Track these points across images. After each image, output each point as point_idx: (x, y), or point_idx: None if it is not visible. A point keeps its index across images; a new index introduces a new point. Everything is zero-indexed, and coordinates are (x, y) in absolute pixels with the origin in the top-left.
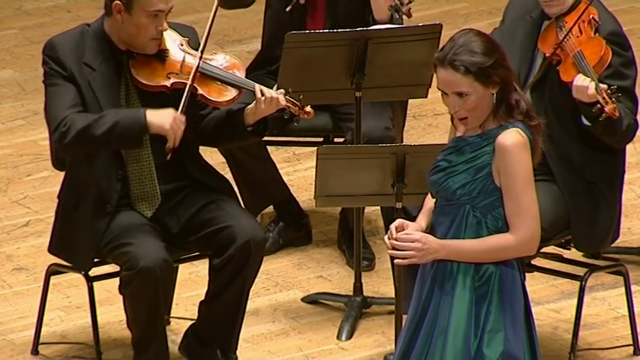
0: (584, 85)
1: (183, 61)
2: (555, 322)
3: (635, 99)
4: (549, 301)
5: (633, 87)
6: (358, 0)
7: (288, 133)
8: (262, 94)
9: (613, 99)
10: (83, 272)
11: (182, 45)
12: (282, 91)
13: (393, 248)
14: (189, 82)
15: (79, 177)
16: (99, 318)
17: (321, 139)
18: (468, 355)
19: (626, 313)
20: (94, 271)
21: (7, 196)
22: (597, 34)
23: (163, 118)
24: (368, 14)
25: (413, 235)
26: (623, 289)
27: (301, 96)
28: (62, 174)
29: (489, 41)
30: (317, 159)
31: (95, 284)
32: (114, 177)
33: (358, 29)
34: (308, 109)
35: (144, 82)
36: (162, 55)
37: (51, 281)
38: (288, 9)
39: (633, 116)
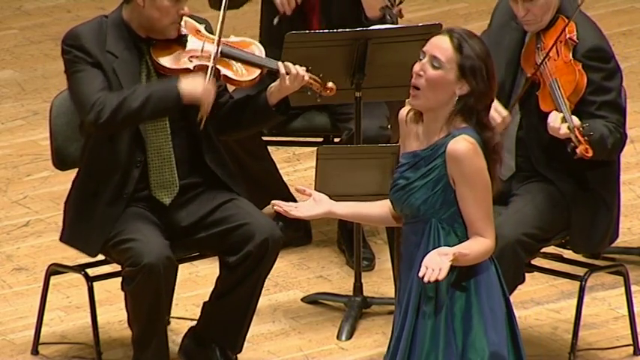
0: (555, 126)
1: (204, 44)
2: (555, 322)
3: (621, 109)
4: (549, 301)
5: (619, 97)
6: (351, 3)
7: (288, 133)
8: (287, 71)
9: (586, 138)
10: (83, 272)
11: (200, 31)
12: (304, 68)
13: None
14: (210, 64)
15: (99, 165)
16: (99, 318)
17: (321, 139)
18: None
19: (626, 313)
20: (94, 271)
21: (7, 196)
22: (573, 57)
23: (195, 84)
24: (361, 16)
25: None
26: (623, 289)
27: (321, 74)
28: (62, 174)
29: (489, 53)
30: (317, 159)
31: (95, 284)
32: (133, 163)
33: (358, 29)
34: (330, 85)
35: (167, 66)
36: (182, 39)
37: (51, 281)
38: (275, 22)
39: (620, 129)
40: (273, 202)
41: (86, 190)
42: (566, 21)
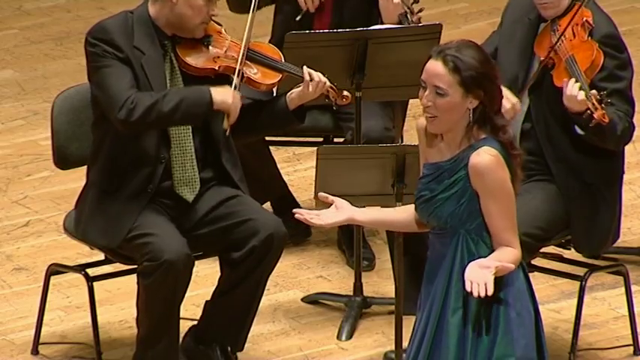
0: (573, 92)
1: (228, 45)
2: (555, 322)
3: (630, 101)
4: (549, 301)
5: (629, 89)
6: (364, 3)
7: (291, 132)
8: (311, 77)
9: (602, 105)
10: (83, 272)
11: (221, 32)
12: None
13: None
14: (237, 66)
15: (122, 161)
16: (99, 318)
17: (321, 139)
18: None
19: (626, 313)
20: (94, 271)
21: (7, 196)
22: (590, 38)
23: (226, 94)
24: (374, 18)
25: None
26: (623, 289)
27: (336, 83)
28: (62, 174)
29: (486, 55)
30: (317, 159)
31: (95, 284)
32: (158, 160)
33: (358, 29)
34: (345, 93)
35: (193, 65)
36: (206, 40)
37: (51, 281)
38: (297, 19)
39: (628, 119)
40: (294, 210)
41: (107, 186)
42: (583, 8)
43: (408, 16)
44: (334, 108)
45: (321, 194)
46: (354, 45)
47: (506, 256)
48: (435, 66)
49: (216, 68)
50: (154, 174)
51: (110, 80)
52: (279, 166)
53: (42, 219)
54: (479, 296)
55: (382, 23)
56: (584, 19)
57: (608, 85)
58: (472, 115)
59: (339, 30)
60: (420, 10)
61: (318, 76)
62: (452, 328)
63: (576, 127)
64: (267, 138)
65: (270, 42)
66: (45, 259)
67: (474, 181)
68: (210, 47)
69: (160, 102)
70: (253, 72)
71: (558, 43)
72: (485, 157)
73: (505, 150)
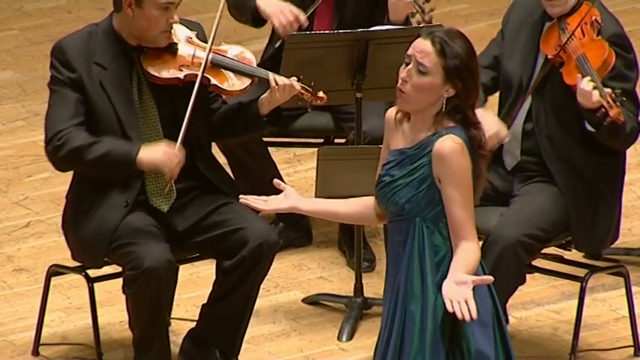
0: (588, 89)
1: (194, 53)
2: (556, 323)
3: (637, 101)
4: (550, 302)
5: (635, 89)
6: (366, 3)
7: (291, 133)
8: (276, 83)
9: (617, 103)
10: (84, 273)
11: (191, 38)
12: (295, 77)
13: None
14: (199, 73)
15: (95, 178)
16: (99, 319)
17: (321, 140)
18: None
19: (627, 314)
20: (95, 272)
21: (8, 197)
22: (600, 36)
23: (155, 155)
24: (378, 16)
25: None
26: (623, 290)
27: (312, 82)
28: (62, 175)
29: (472, 49)
30: (318, 160)
31: (96, 285)
32: (134, 175)
33: (359, 30)
34: (321, 94)
35: (157, 75)
36: (172, 48)
37: (51, 282)
38: (276, 45)
39: (636, 119)
40: (240, 196)
41: (83, 206)
42: (591, 5)
43: (418, 15)
44: (309, 110)
45: (275, 181)
46: (355, 46)
47: (471, 258)
48: (424, 44)
49: (182, 77)
50: (131, 188)
51: (53, 108)
52: (279, 167)
53: (42, 220)
54: (463, 318)
55: (389, 21)
56: (593, 17)
57: (616, 85)
58: (445, 104)
59: (339, 31)
60: (432, 10)
61: (283, 80)
62: (414, 316)
63: (587, 125)
64: (266, 139)
65: (262, 58)
66: (45, 260)
67: (437, 167)
68: (177, 55)
69: (86, 149)
70: (220, 79)
71: (568, 42)
72: (450, 143)
73: (471, 143)
